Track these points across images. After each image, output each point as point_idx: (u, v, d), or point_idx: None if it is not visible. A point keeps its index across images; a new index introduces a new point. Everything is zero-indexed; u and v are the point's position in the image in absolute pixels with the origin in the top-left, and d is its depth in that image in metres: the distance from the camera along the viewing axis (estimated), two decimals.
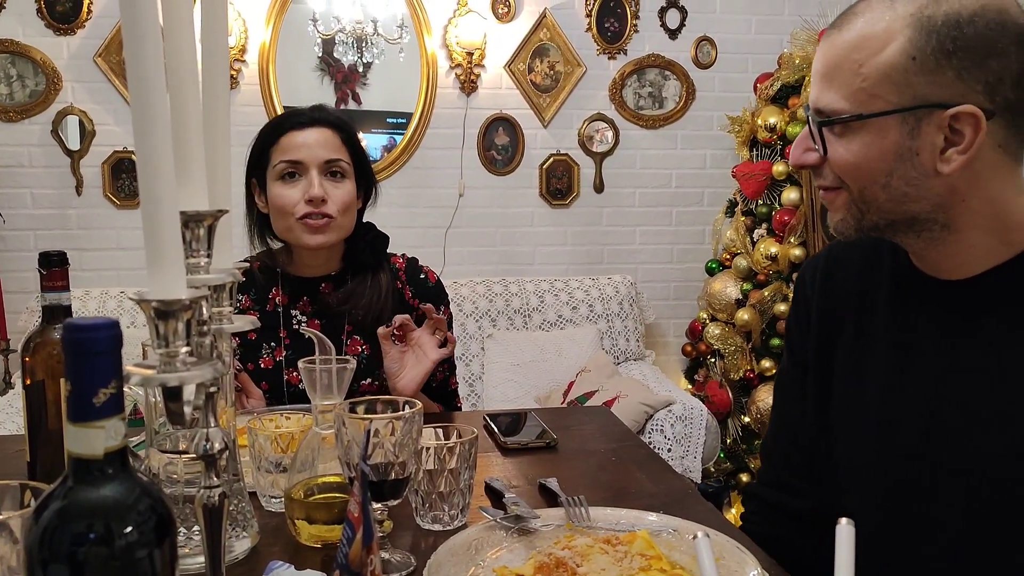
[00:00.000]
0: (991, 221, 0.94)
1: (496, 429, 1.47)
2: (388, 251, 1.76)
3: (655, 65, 3.76)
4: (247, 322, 0.88)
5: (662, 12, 3.74)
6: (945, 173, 0.90)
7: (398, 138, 3.66)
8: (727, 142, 3.67)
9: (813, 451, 1.14)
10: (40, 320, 1.08)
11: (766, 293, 3.22)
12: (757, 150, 3.38)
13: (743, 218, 3.40)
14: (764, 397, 3.23)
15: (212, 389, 0.76)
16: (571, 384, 3.19)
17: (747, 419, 3.31)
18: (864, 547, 1.03)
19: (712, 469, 3.18)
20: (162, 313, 0.64)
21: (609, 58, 3.73)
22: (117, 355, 0.55)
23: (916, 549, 0.99)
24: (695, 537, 0.72)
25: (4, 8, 3.32)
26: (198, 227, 0.74)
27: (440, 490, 1.08)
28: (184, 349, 0.65)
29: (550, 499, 1.16)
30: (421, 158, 3.66)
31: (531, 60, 3.66)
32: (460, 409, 1.84)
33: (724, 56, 3.79)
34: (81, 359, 0.53)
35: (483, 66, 3.63)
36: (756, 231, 3.35)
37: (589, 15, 3.68)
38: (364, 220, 1.74)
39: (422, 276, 1.75)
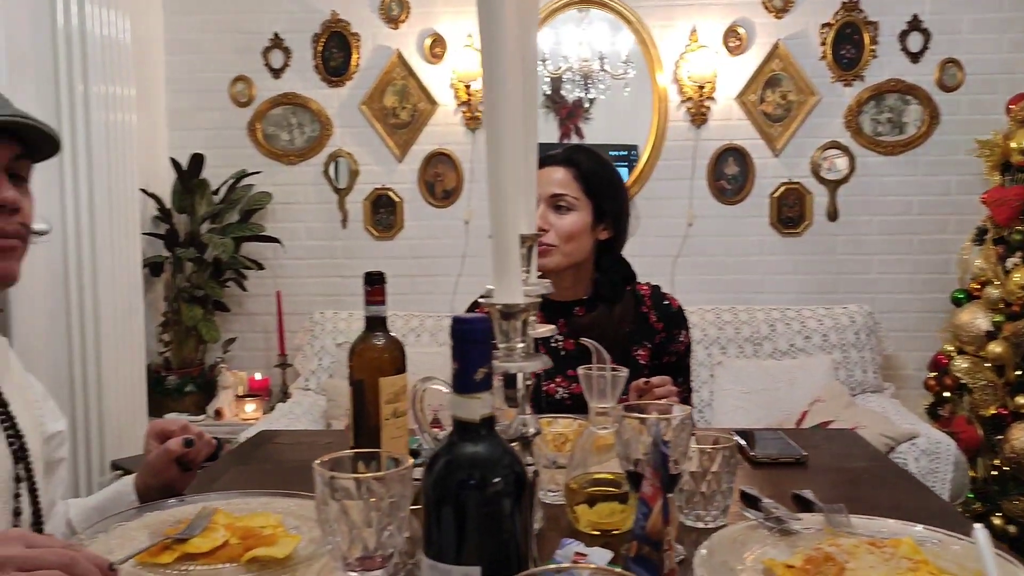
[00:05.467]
0: None
1: (745, 443, 1.54)
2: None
3: (895, 90, 3.66)
4: (547, 330, 1.02)
5: (903, 36, 3.64)
6: None
7: (621, 169, 3.79)
8: (974, 167, 3.49)
9: None
10: (363, 328, 1.29)
11: (1022, 325, 3.03)
12: (1010, 174, 3.20)
13: (994, 246, 3.22)
14: (1020, 435, 3.03)
15: (529, 382, 0.92)
16: (804, 413, 3.15)
17: (997, 460, 3.12)
18: None
19: (960, 509, 3.01)
20: (506, 314, 0.79)
21: (844, 85, 3.68)
22: (489, 344, 0.70)
23: None
24: (974, 529, 0.77)
25: (288, 66, 3.82)
26: (523, 247, 0.90)
27: (702, 491, 1.17)
28: (520, 344, 0.80)
29: (804, 510, 1.22)
30: (651, 189, 3.78)
31: (763, 91, 3.69)
32: None
33: (972, 78, 3.63)
34: (465, 345, 0.69)
35: (713, 98, 3.71)
36: (1009, 259, 3.16)
37: (824, 43, 3.65)
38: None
39: (665, 302, 1.88)
